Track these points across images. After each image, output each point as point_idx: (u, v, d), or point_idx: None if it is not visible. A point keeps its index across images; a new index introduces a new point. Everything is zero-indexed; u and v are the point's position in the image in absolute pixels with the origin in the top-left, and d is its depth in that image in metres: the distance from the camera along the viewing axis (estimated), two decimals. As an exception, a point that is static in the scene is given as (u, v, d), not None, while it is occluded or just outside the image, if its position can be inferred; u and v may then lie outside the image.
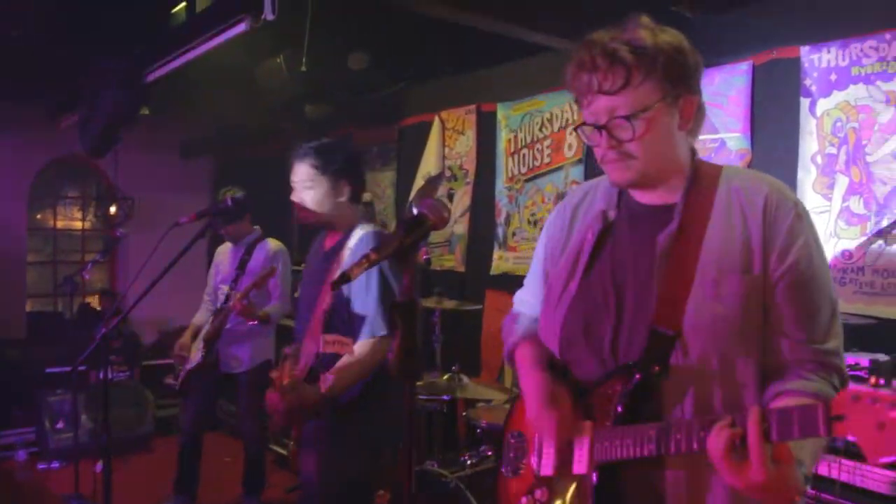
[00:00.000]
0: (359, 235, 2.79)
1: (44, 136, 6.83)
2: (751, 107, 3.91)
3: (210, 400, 4.74)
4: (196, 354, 4.39)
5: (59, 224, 7.93)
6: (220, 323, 4.31)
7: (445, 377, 3.86)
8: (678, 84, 1.55)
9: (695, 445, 1.36)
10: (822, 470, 2.61)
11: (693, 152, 1.66)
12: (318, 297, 2.76)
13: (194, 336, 4.57)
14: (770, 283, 1.51)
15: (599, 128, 1.56)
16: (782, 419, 1.23)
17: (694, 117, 1.59)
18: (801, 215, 1.53)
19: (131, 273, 7.55)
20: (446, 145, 5.58)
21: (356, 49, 5.00)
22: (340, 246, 2.82)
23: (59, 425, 5.75)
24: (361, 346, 2.64)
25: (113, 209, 7.54)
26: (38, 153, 7.17)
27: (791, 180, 3.75)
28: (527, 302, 1.95)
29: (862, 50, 3.46)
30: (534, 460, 1.72)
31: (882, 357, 2.69)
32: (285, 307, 4.46)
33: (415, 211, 1.51)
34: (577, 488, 1.59)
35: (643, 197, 1.67)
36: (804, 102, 3.69)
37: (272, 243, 4.65)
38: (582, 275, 1.70)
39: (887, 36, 3.36)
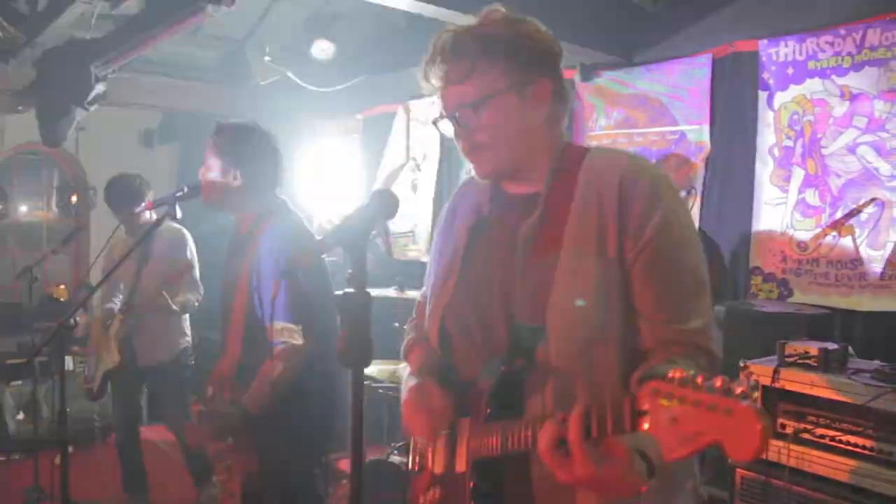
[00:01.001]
0: (270, 229, 2.66)
1: (2, 125, 6.72)
2: (710, 99, 3.96)
3: (136, 395, 4.56)
4: (112, 355, 4.24)
5: (20, 215, 7.80)
6: (132, 321, 4.18)
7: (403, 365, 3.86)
8: (528, 70, 1.52)
9: (531, 442, 1.33)
10: (772, 455, 2.66)
11: (560, 137, 1.63)
12: (234, 291, 2.69)
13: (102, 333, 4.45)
14: (627, 265, 1.47)
15: (450, 119, 1.56)
16: (600, 415, 1.18)
17: (550, 102, 1.56)
18: (657, 191, 1.48)
19: (93, 263, 7.45)
20: (410, 136, 5.57)
21: (321, 38, 4.98)
22: (250, 236, 2.71)
23: (19, 416, 5.68)
24: (277, 357, 2.52)
25: (74, 198, 7.43)
26: (-3, 142, 7.05)
27: (749, 172, 3.80)
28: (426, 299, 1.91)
29: (818, 44, 3.52)
30: (429, 459, 1.71)
31: (831, 345, 2.75)
32: (198, 293, 4.35)
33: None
34: (459, 486, 1.59)
35: (512, 188, 1.65)
36: (762, 95, 3.75)
37: (170, 226, 4.30)
38: (458, 271, 1.68)
39: (842, 31, 3.42)
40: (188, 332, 4.51)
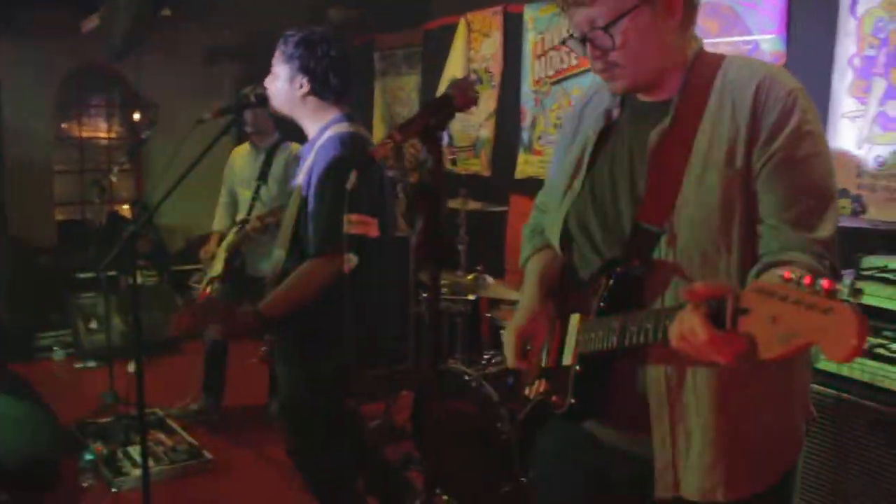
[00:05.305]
0: (327, 136, 2.67)
1: (66, 43, 6.77)
2: (787, 6, 3.78)
3: (236, 304, 4.74)
4: (218, 264, 4.42)
5: (85, 134, 7.93)
6: (241, 237, 4.30)
7: (470, 277, 3.88)
8: None
9: (659, 336, 1.35)
10: (845, 370, 2.61)
11: (693, 42, 1.61)
12: (290, 196, 2.75)
13: (220, 242, 4.60)
14: (754, 173, 1.47)
15: (582, 40, 1.54)
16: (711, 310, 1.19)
17: (683, 8, 1.53)
18: (795, 102, 1.46)
19: (157, 180, 7.59)
20: (472, 48, 5.47)
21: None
22: (312, 145, 2.73)
23: (92, 326, 5.92)
24: (304, 265, 2.57)
25: (137, 116, 7.54)
26: (61, 61, 7.12)
27: (825, 84, 3.64)
28: (544, 206, 1.97)
29: (911, -58, 3.31)
30: (538, 353, 1.78)
31: (914, 259, 2.66)
32: None
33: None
34: (564, 378, 1.64)
35: (644, 95, 1.65)
36: (844, 1, 3.56)
37: (293, 147, 4.53)
38: (585, 174, 1.70)
39: (938, -73, 3.20)
40: None
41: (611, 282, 1.56)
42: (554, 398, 1.66)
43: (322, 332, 2.62)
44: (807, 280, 1.03)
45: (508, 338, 1.78)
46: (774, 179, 1.46)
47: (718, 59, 1.59)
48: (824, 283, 1.01)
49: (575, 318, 1.66)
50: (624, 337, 1.44)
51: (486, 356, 3.60)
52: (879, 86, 3.47)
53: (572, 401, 1.60)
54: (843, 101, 3.59)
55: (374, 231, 2.28)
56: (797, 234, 1.43)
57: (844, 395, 2.63)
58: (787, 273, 1.07)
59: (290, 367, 2.79)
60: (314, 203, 2.60)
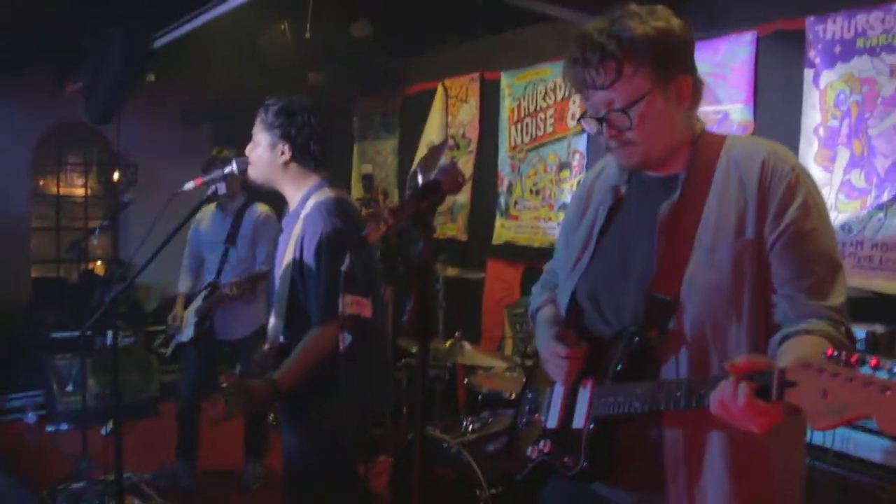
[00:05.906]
0: (312, 204, 2.70)
1: (46, 102, 6.80)
2: (754, 78, 3.90)
3: (207, 368, 4.64)
4: (187, 329, 4.40)
5: (62, 191, 7.90)
6: (213, 302, 4.29)
7: (448, 343, 3.89)
8: (669, 67, 1.59)
9: (693, 404, 1.42)
10: (816, 438, 2.65)
11: (698, 123, 1.72)
12: (280, 271, 2.74)
13: (186, 305, 4.57)
14: (765, 247, 1.55)
15: (599, 119, 1.64)
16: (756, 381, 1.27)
17: (691, 95, 1.64)
18: (798, 178, 1.56)
19: (133, 239, 7.57)
20: (449, 114, 5.57)
21: (360, 17, 4.98)
22: (296, 214, 2.75)
23: (68, 388, 5.83)
24: (311, 333, 2.59)
25: (116, 175, 7.54)
26: (41, 119, 7.14)
27: (793, 152, 3.74)
28: (554, 272, 2.06)
29: (868, 21, 3.45)
30: (542, 415, 1.84)
31: (879, 328, 2.73)
32: None
33: (420, 178, 1.55)
34: (574, 440, 1.70)
35: (653, 170, 1.73)
36: (808, 74, 3.68)
37: (260, 208, 4.54)
38: (594, 247, 1.78)
39: (894, 7, 3.35)
40: None
41: (627, 349, 1.63)
42: (566, 459, 1.71)
43: (330, 396, 2.64)
44: (853, 358, 1.12)
45: (554, 355, 1.77)
46: (787, 252, 1.54)
47: (721, 138, 1.71)
48: (872, 361, 1.10)
49: (587, 383, 1.72)
50: (653, 403, 1.51)
51: (463, 422, 3.59)
52: (843, 155, 3.58)
53: (585, 463, 1.65)
54: (811, 169, 3.70)
55: (367, 311, 2.31)
56: (813, 302, 1.52)
57: (816, 464, 2.68)
58: (829, 350, 1.16)
59: (296, 432, 2.78)
60: (314, 274, 2.62)
